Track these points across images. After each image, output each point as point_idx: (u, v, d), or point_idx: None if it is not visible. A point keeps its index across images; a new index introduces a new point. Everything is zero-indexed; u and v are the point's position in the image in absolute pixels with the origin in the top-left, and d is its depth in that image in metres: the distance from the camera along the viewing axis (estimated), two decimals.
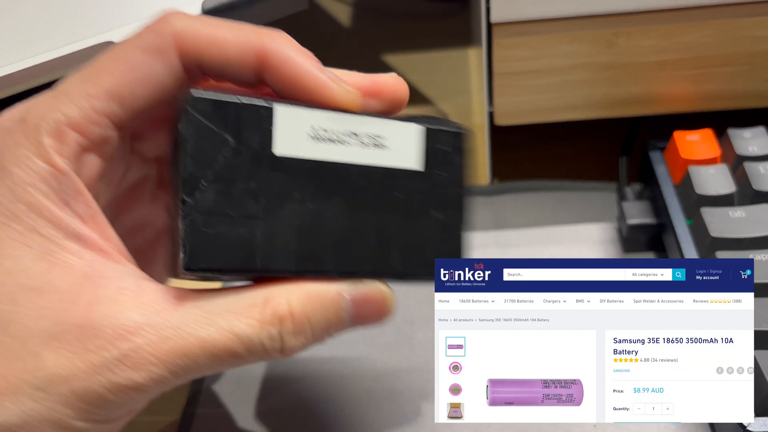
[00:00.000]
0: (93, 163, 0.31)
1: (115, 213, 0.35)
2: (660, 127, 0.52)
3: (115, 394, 0.29)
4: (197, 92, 0.30)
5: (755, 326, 0.35)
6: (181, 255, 0.30)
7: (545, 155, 0.58)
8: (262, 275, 0.31)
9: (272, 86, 0.32)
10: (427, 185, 0.33)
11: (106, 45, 0.42)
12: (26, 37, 0.43)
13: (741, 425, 0.34)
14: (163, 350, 0.29)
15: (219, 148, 0.30)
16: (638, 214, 0.48)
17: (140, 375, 0.29)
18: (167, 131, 0.36)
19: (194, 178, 0.30)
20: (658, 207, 0.47)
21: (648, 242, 0.48)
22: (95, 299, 0.29)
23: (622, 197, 0.51)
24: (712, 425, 0.38)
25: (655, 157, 0.49)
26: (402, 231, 0.32)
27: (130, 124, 0.32)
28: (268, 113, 0.31)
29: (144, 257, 0.35)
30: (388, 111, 0.34)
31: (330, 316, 0.31)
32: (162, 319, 0.30)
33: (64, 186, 0.30)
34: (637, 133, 0.54)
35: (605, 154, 0.56)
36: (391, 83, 0.34)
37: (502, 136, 0.55)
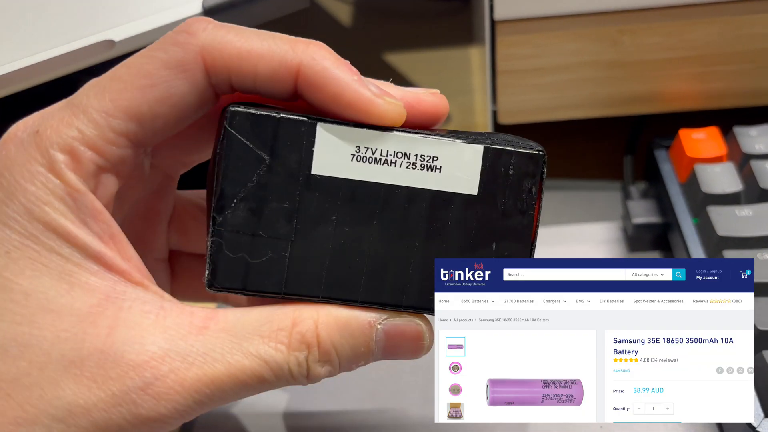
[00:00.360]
0: (109, 182, 0.30)
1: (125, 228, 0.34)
2: (665, 125, 0.52)
3: (137, 426, 0.28)
4: (235, 107, 0.29)
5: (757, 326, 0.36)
6: (206, 272, 0.30)
7: (549, 154, 0.57)
8: (289, 299, 0.31)
9: (310, 102, 0.31)
10: (486, 214, 0.30)
11: (107, 44, 0.42)
12: (26, 35, 0.44)
13: (750, 425, 0.35)
14: (188, 378, 0.28)
15: (254, 165, 0.30)
16: (643, 213, 0.48)
17: (164, 406, 0.28)
18: (188, 146, 0.35)
19: (226, 195, 0.30)
20: (664, 206, 0.47)
21: (654, 241, 0.48)
22: (117, 323, 0.29)
23: (627, 196, 0.51)
24: (719, 425, 0.38)
25: (661, 155, 0.50)
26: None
27: (148, 142, 0.31)
28: (309, 130, 0.30)
29: None
30: (423, 128, 0.32)
31: (358, 347, 0.30)
32: (188, 345, 0.29)
33: (81, 205, 0.29)
34: (642, 131, 0.54)
35: (610, 153, 0.56)
36: (430, 101, 0.32)
37: None
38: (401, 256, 0.30)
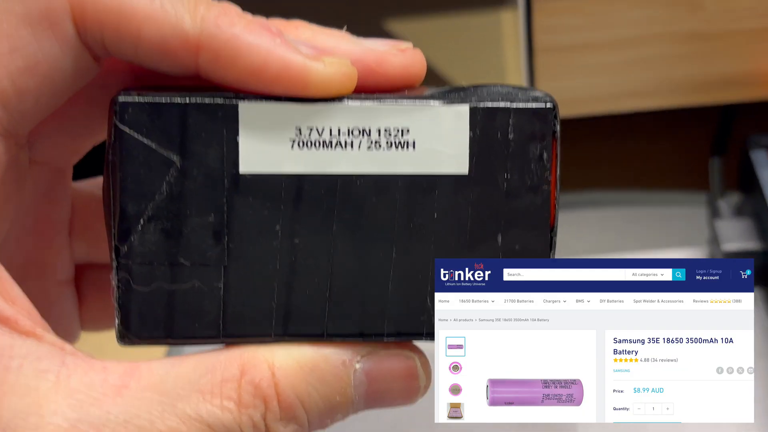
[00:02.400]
0: None
1: (9, 251, 0.29)
2: (764, 118, 0.49)
3: None
4: (126, 96, 0.25)
5: None
6: (116, 321, 0.26)
7: (608, 157, 0.54)
8: (232, 342, 0.27)
9: (223, 84, 0.26)
10: (484, 197, 0.27)
11: None
12: None
13: None
14: None
15: (161, 171, 0.25)
16: (737, 237, 0.45)
17: None
18: (75, 127, 0.31)
19: (128, 216, 0.26)
20: (764, 227, 0.43)
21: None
22: (5, 389, 0.25)
23: (714, 213, 0.47)
24: None
25: (759, 158, 0.46)
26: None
27: (19, 129, 0.27)
28: (229, 114, 0.25)
29: (41, 310, 0.28)
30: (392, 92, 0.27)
31: (332, 396, 0.27)
32: (103, 412, 0.25)
33: None
34: (733, 125, 0.51)
35: (690, 155, 0.52)
36: (398, 62, 0.27)
37: None
38: (376, 269, 0.27)
